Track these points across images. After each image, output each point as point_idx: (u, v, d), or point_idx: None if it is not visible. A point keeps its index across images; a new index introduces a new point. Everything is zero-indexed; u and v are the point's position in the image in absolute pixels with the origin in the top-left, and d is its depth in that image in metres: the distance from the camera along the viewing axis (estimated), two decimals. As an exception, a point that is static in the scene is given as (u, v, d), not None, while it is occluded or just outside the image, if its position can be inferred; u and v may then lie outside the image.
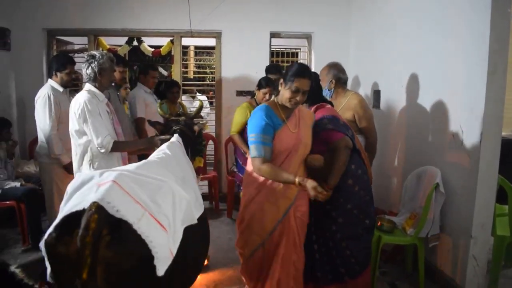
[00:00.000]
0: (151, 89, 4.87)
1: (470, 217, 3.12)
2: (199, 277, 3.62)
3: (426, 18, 3.74)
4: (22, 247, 4.24)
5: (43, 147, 3.91)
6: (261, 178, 2.73)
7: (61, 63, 3.93)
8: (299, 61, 6.89)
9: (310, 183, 2.45)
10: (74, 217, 1.62)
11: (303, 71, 2.61)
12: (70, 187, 1.89)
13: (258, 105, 4.40)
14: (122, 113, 4.24)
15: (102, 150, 3.06)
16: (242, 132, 4.55)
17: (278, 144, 2.66)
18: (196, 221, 2.21)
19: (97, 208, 1.59)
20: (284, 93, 2.63)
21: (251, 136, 2.63)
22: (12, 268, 1.91)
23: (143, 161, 2.36)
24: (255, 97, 4.52)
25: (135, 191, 1.81)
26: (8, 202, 4.23)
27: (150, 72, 4.83)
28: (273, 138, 2.64)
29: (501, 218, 3.42)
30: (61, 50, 6.06)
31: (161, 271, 1.72)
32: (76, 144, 3.16)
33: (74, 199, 1.77)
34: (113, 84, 4.34)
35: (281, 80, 2.68)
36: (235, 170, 5.17)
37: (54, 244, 1.62)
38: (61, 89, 3.92)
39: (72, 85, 4.39)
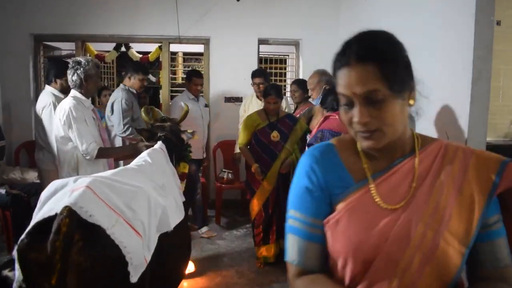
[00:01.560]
0: (195, 95, 4.87)
1: (456, 222, 3.14)
2: (186, 284, 3.61)
3: (412, 26, 3.78)
4: (7, 255, 4.18)
5: (48, 155, 3.85)
6: None
7: (61, 69, 3.89)
8: (287, 68, 6.91)
9: None
10: (46, 223, 1.61)
11: (357, 47, 1.10)
12: (43, 195, 1.88)
13: (267, 115, 4.08)
14: (141, 122, 4.24)
15: (87, 157, 3.04)
16: (250, 144, 4.17)
17: (341, 237, 1.12)
18: (171, 228, 2.19)
19: (69, 212, 1.57)
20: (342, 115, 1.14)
21: (289, 214, 1.20)
22: (5, 272, 1.90)
23: (120, 167, 2.36)
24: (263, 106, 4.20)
25: (109, 197, 1.80)
26: (-8, 209, 4.16)
27: (193, 79, 4.81)
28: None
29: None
30: (48, 55, 6.02)
31: (135, 277, 1.71)
32: (61, 151, 3.14)
33: (47, 206, 1.77)
34: (135, 92, 4.36)
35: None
36: (224, 176, 5.18)
37: (26, 250, 1.61)
38: (62, 95, 3.89)
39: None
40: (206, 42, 5.80)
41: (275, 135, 4.02)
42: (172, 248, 2.24)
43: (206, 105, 5.12)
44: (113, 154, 3.41)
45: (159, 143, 2.87)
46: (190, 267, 3.74)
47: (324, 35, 5.78)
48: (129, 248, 1.69)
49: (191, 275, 3.73)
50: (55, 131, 3.14)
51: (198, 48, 6.28)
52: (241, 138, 4.21)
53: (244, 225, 5.19)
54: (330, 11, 5.80)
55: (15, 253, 1.65)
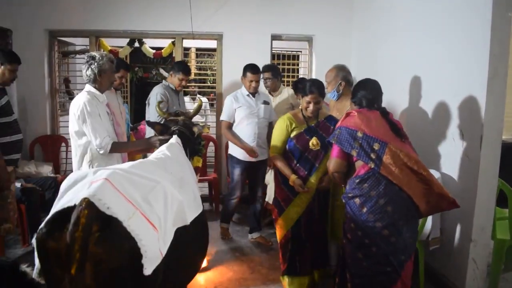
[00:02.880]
0: (249, 91, 4.51)
1: (470, 220, 3.12)
2: (199, 278, 3.63)
3: (427, 22, 3.74)
4: (22, 247, 4.24)
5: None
6: None
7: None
8: (299, 64, 6.90)
9: None
10: (65, 213, 1.64)
11: None
12: (63, 185, 1.92)
13: (305, 118, 3.41)
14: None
15: (101, 151, 3.06)
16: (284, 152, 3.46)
17: None
18: (188, 223, 2.20)
19: (88, 204, 1.60)
20: None
21: None
22: (23, 267, 1.93)
23: (139, 160, 2.38)
24: (300, 107, 3.47)
25: (127, 189, 1.83)
26: (8, 202, 4.21)
27: (247, 74, 4.48)
28: None
29: (501, 221, 3.41)
30: (62, 51, 6.08)
31: (148, 270, 1.72)
32: (75, 145, 3.17)
33: (67, 197, 1.80)
34: (174, 88, 4.46)
35: None
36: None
37: (45, 239, 1.64)
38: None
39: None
40: (219, 37, 5.80)
41: (314, 142, 3.32)
42: (188, 241, 2.25)
43: (266, 102, 4.59)
44: (127, 149, 3.44)
45: (175, 137, 2.89)
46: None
47: (337, 31, 5.77)
48: (144, 241, 1.70)
49: (203, 270, 3.75)
50: (70, 125, 3.17)
51: (211, 43, 6.29)
52: (273, 147, 3.48)
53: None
54: (343, 7, 5.77)
55: (34, 241, 1.68)
